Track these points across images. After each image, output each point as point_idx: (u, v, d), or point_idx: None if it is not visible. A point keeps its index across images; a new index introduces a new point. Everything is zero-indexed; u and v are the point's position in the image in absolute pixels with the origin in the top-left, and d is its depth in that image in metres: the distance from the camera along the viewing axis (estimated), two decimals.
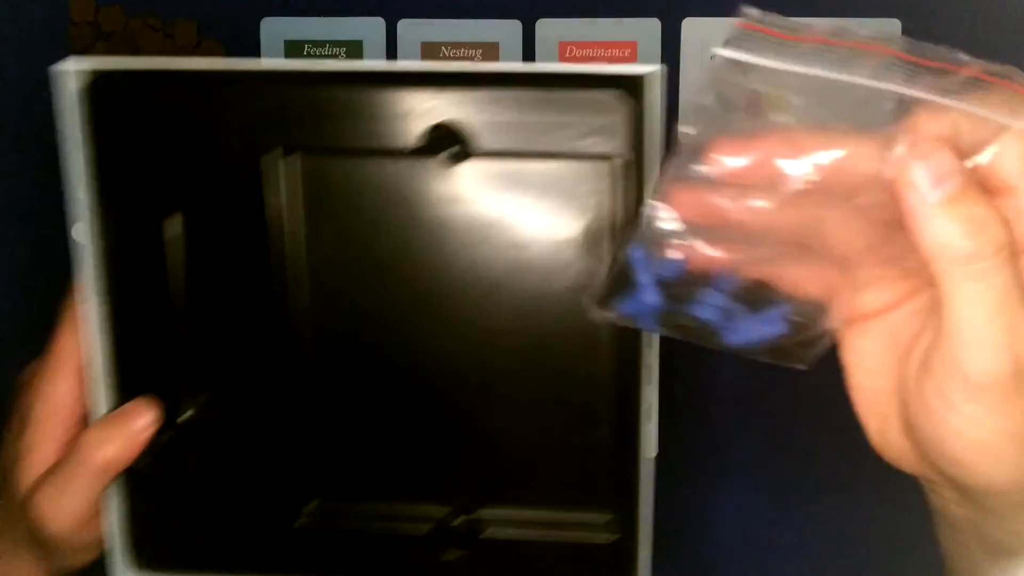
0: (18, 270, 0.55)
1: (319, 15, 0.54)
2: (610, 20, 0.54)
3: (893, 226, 0.28)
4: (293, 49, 0.54)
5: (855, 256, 0.30)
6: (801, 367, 0.33)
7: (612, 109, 0.33)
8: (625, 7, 0.54)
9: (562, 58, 0.54)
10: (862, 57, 0.28)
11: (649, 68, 0.33)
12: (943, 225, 0.24)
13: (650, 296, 0.34)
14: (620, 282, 0.34)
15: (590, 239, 0.34)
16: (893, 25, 0.54)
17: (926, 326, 0.28)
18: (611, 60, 0.54)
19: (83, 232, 0.33)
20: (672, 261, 0.33)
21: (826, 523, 0.55)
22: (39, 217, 0.54)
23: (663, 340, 0.53)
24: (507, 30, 0.54)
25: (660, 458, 0.55)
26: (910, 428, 0.29)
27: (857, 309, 0.31)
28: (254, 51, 0.54)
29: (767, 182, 0.28)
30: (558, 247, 0.34)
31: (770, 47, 0.30)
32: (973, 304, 0.25)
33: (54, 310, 0.57)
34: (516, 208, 0.33)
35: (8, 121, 0.54)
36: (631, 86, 0.32)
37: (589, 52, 0.54)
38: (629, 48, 0.54)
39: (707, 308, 0.33)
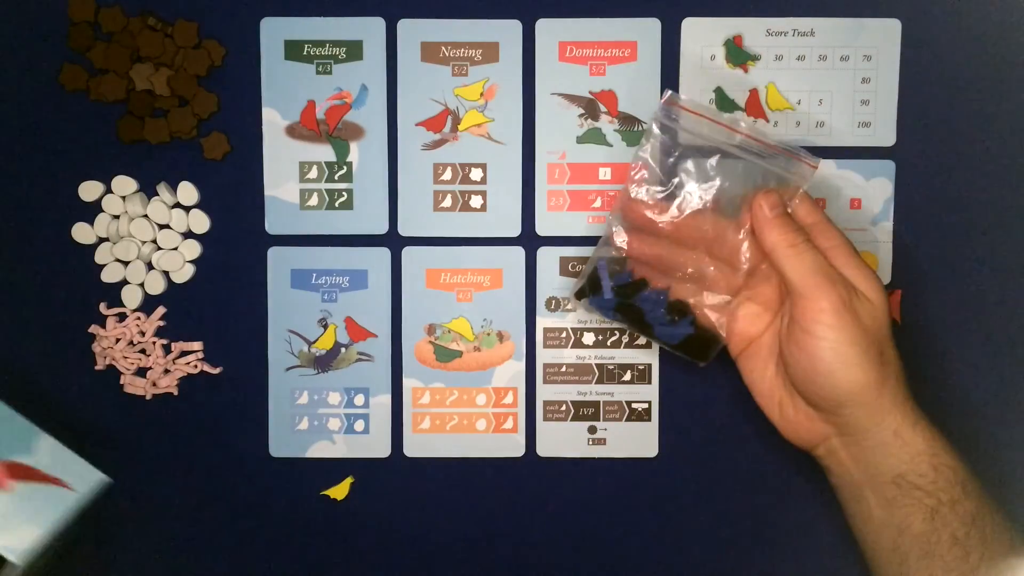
0: (17, 270, 0.55)
1: (319, 15, 0.54)
2: (610, 20, 0.54)
3: (747, 274, 0.49)
4: (293, 49, 0.54)
5: (731, 293, 0.49)
6: (702, 364, 0.51)
7: None
8: (625, 7, 0.54)
9: (562, 58, 0.54)
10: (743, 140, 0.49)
11: None
12: (776, 229, 0.47)
13: (609, 296, 0.50)
14: (590, 284, 0.51)
15: None
16: (893, 25, 0.54)
17: (787, 331, 0.47)
18: (611, 60, 0.54)
19: None
20: (624, 272, 0.50)
21: (824, 522, 0.55)
22: (38, 217, 0.55)
23: (664, 349, 0.53)
24: (507, 30, 0.54)
25: (661, 458, 0.55)
26: (793, 378, 0.47)
27: (742, 339, 0.50)
28: (254, 51, 0.54)
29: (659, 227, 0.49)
30: None
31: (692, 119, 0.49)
32: (799, 267, 0.46)
33: (53, 309, 0.57)
34: None
35: (8, 121, 0.54)
36: None
37: (589, 52, 0.54)
38: (629, 48, 0.54)
39: (647, 310, 0.50)
